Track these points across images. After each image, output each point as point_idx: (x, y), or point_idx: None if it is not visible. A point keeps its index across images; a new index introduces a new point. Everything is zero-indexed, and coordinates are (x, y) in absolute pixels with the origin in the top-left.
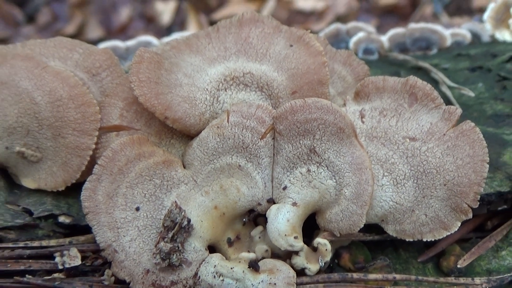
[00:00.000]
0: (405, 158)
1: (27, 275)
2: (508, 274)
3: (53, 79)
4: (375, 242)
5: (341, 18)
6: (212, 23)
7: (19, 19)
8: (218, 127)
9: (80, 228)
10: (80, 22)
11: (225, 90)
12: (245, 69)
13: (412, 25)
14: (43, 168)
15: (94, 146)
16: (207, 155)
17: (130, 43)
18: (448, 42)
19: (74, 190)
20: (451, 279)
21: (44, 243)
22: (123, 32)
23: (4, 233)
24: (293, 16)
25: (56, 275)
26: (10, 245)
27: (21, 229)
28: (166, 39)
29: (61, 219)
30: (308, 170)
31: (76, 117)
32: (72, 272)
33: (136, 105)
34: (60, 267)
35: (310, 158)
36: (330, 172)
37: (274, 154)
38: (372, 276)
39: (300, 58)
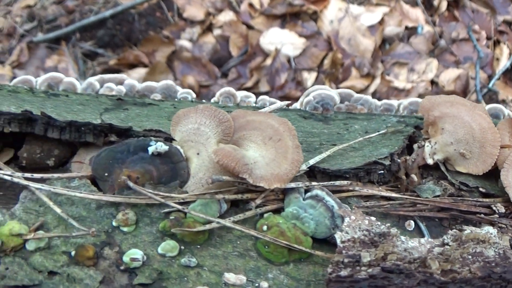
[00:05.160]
0: None
1: None
2: None
3: (480, 118)
4: None
5: (421, 95)
6: None
7: (217, 74)
8: None
9: None
10: (255, 80)
11: None
12: None
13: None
14: (471, 162)
15: (498, 154)
16: None
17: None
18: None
19: (488, 174)
20: None
21: None
22: (281, 89)
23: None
24: (390, 90)
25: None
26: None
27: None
28: None
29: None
30: None
31: (491, 138)
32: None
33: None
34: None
35: None
36: None
37: None
38: None
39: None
